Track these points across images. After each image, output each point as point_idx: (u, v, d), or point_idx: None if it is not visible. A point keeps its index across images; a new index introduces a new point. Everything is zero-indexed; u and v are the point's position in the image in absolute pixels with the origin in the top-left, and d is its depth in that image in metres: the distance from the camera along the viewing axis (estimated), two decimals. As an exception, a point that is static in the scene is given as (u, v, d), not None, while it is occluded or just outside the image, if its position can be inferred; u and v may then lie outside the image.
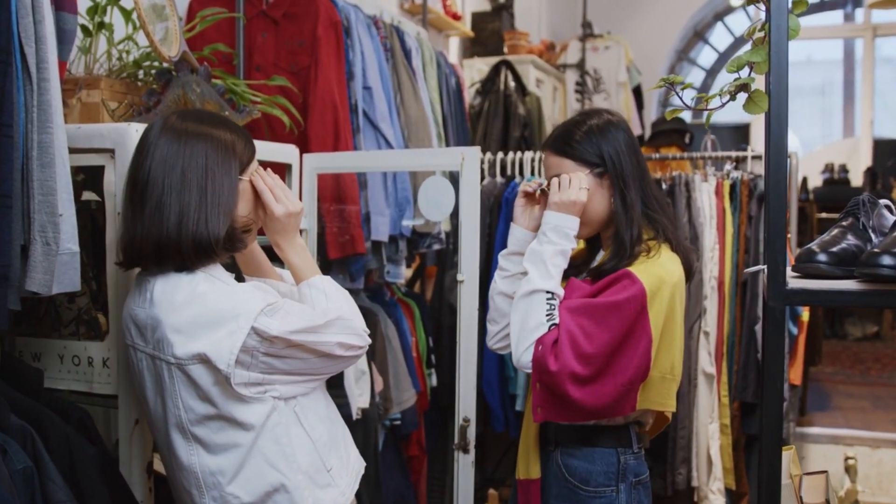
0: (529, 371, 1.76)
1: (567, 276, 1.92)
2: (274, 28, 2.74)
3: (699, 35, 8.26)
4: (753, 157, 3.37)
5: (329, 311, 1.60)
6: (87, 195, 1.81)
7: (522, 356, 1.76)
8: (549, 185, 1.88)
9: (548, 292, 1.77)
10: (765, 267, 1.41)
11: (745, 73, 1.39)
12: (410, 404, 3.18)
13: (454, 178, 2.20)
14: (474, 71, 5.15)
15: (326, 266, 2.70)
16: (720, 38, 8.44)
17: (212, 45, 2.40)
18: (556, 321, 1.74)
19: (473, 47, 5.43)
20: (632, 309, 1.71)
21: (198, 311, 1.51)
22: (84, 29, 2.04)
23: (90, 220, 1.81)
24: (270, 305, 1.52)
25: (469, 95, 4.65)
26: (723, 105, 1.44)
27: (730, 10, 8.14)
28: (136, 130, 1.76)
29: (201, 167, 1.56)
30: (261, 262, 1.83)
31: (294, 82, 2.64)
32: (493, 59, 5.06)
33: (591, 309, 1.73)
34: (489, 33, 5.45)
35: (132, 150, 1.74)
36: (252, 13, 2.74)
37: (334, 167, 2.37)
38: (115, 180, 1.77)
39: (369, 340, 1.67)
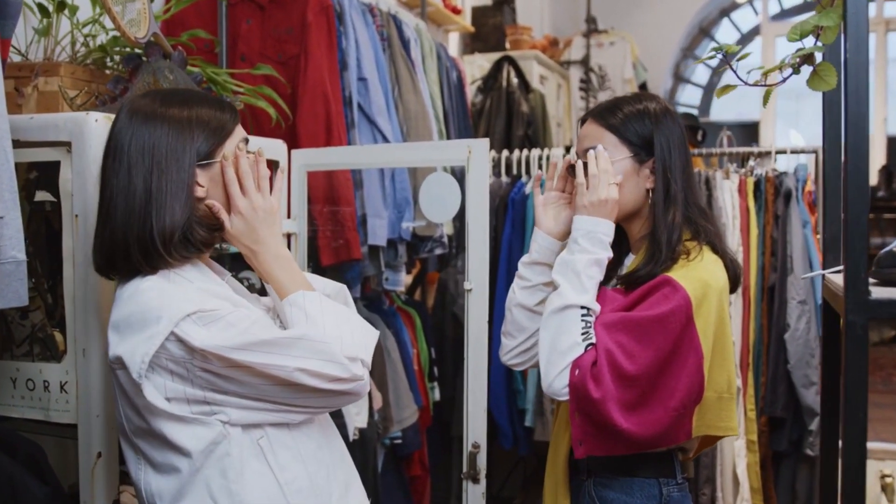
0: (563, 399, 1.54)
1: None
2: (260, 14, 2.51)
3: (705, 32, 8.03)
4: (778, 152, 3.14)
5: (295, 332, 1.33)
6: (42, 195, 1.58)
7: (555, 382, 1.53)
8: (575, 160, 1.68)
9: (582, 307, 1.55)
10: (822, 272, 1.17)
11: (809, 42, 1.16)
12: (412, 422, 2.95)
13: (458, 176, 1.97)
14: (475, 67, 4.92)
15: (319, 273, 2.46)
16: (726, 34, 8.21)
17: (190, 31, 2.17)
18: (594, 340, 1.52)
19: (474, 43, 5.20)
20: (676, 321, 1.49)
21: (132, 309, 1.32)
22: (41, 8, 1.81)
23: (45, 223, 1.58)
24: (205, 312, 1.28)
25: (471, 93, 4.43)
26: (784, 80, 1.21)
27: (735, 5, 7.92)
28: (95, 120, 1.53)
29: (148, 157, 1.35)
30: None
31: (282, 73, 2.41)
32: (495, 55, 4.84)
33: (629, 324, 1.51)
34: (490, 28, 5.22)
35: (92, 142, 1.52)
36: (236, -2, 2.51)
37: (326, 164, 2.14)
38: (72, 178, 1.54)
39: (359, 371, 1.35)
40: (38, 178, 1.57)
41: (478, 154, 1.86)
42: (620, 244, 1.77)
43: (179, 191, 1.35)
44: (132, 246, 1.33)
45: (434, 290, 3.58)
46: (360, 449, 2.56)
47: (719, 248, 1.69)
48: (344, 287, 1.59)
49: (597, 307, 1.57)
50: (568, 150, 3.56)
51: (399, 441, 2.91)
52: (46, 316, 1.59)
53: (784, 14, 7.81)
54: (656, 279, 1.55)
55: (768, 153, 3.19)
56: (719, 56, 1.19)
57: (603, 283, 1.67)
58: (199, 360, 1.28)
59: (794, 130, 8.30)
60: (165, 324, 1.27)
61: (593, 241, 1.58)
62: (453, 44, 5.08)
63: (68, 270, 1.55)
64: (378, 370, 2.78)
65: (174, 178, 1.35)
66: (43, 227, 1.58)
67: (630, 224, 1.72)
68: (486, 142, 1.85)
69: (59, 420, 1.57)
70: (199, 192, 1.39)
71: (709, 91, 8.33)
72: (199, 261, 1.43)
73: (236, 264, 1.98)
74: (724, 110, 8.32)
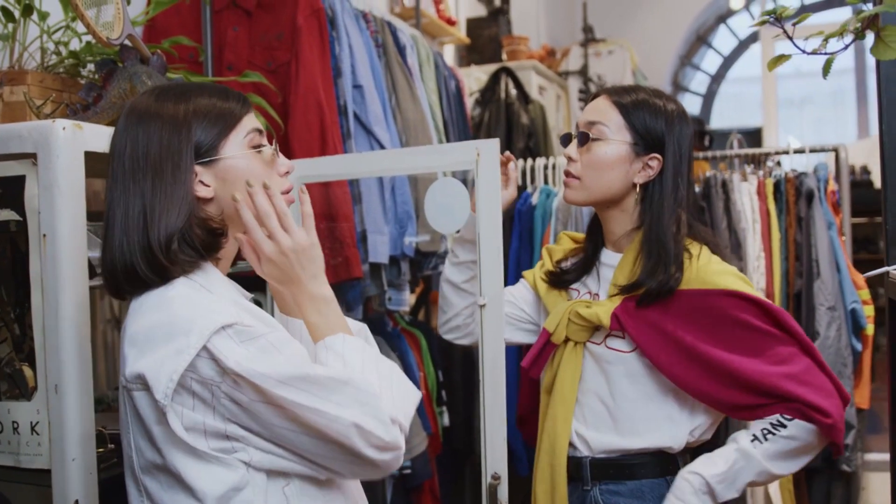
0: None
1: (557, 279, 1.73)
2: (247, 21, 2.36)
3: (702, 39, 7.92)
4: (796, 151, 2.98)
5: (340, 373, 1.12)
6: (5, 214, 1.41)
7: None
8: (575, 135, 1.67)
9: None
10: (888, 269, 1.01)
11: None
12: (421, 450, 2.77)
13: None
14: (472, 80, 4.77)
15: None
16: (723, 41, 8.10)
17: (172, 39, 2.02)
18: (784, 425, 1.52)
19: (469, 55, 5.07)
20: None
21: (155, 320, 1.13)
22: (5, 12, 1.66)
23: (10, 245, 1.42)
24: (244, 327, 1.10)
25: (468, 106, 4.28)
26: (846, 48, 1.05)
27: (732, 12, 7.81)
28: (62, 128, 1.37)
29: (142, 160, 1.20)
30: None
31: (273, 82, 2.26)
32: (492, 67, 4.69)
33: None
34: (486, 40, 5.09)
35: (60, 153, 1.36)
36: (221, 4, 2.36)
37: (322, 174, 1.97)
38: (38, 193, 1.38)
39: (399, 439, 1.13)
40: (1, 196, 1.41)
41: (487, 157, 1.69)
42: (595, 239, 1.75)
43: (177, 193, 1.19)
44: (135, 257, 1.17)
45: (438, 308, 3.40)
46: (368, 482, 2.37)
47: (714, 249, 1.66)
48: (365, 327, 1.40)
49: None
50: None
51: (408, 471, 2.73)
52: (14, 349, 1.42)
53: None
54: (729, 291, 1.55)
55: (785, 153, 3.03)
56: (771, 20, 1.03)
57: (573, 277, 1.72)
58: (228, 384, 1.09)
59: (792, 137, 8.17)
60: (197, 337, 1.08)
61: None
62: (449, 56, 4.95)
63: (37, 297, 1.39)
64: (384, 396, 2.60)
65: (170, 180, 1.19)
66: (8, 249, 1.41)
67: (608, 214, 1.69)
68: (496, 143, 1.69)
69: (30, 465, 1.40)
70: (204, 192, 1.22)
71: (708, 99, 8.21)
72: (218, 270, 1.26)
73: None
74: (723, 118, 8.19)
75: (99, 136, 1.45)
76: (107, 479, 1.47)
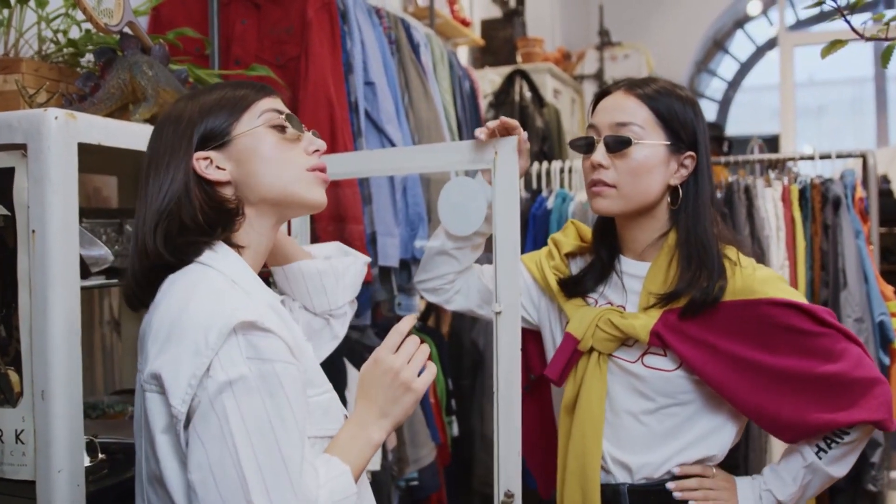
0: None
1: (573, 287, 1.60)
2: (255, 13, 2.28)
3: (719, 45, 7.80)
4: (822, 157, 2.88)
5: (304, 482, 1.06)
6: (-7, 208, 1.33)
7: None
8: (598, 138, 1.52)
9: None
10: None
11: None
12: (429, 461, 2.67)
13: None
14: (486, 82, 4.68)
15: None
16: (741, 46, 7.97)
17: (177, 30, 1.93)
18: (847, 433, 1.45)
19: (484, 57, 4.98)
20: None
21: (183, 309, 1.08)
22: (0, -3, 1.57)
23: (-3, 241, 1.33)
24: (262, 333, 1.06)
25: (482, 107, 4.19)
26: (907, 34, 0.95)
27: (749, 17, 7.70)
28: (55, 118, 1.29)
29: (153, 165, 1.21)
30: (281, 245, 1.45)
31: (281, 77, 2.18)
32: (506, 69, 4.61)
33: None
34: (500, 41, 5.00)
35: (51, 144, 1.28)
36: (229, -4, 2.28)
37: (331, 173, 1.85)
38: (28, 186, 1.30)
39: None
40: (-12, 189, 1.33)
41: (505, 155, 1.60)
42: (609, 240, 1.62)
43: (167, 180, 1.17)
44: (148, 257, 1.16)
45: (450, 315, 3.31)
46: (374, 494, 2.28)
47: (747, 253, 1.57)
48: (339, 244, 1.57)
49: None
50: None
51: (416, 483, 2.63)
52: (-1, 352, 1.33)
53: (801, 24, 7.57)
54: (791, 302, 1.44)
55: (810, 157, 2.93)
56: (831, 5, 0.94)
57: (589, 286, 1.59)
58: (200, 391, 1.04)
59: (808, 145, 8.04)
60: (216, 334, 1.03)
61: None
62: (463, 57, 4.86)
63: (24, 297, 1.30)
64: (392, 405, 2.51)
65: (163, 171, 1.18)
66: (-5, 246, 1.33)
67: (635, 222, 1.55)
68: (514, 140, 1.59)
69: (13, 476, 1.31)
70: (218, 175, 1.20)
71: (724, 105, 8.09)
72: (244, 260, 1.20)
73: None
74: (739, 125, 8.07)
75: (94, 127, 1.36)
76: (95, 491, 1.39)
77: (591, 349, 1.53)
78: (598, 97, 1.59)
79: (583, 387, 1.54)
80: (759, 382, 1.44)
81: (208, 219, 1.18)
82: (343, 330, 1.55)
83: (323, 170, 1.28)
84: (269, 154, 1.21)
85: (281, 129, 1.23)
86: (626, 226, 1.58)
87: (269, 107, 1.24)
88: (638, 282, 1.55)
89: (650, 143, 1.49)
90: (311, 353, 1.23)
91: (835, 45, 1.01)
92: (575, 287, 1.62)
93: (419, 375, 1.20)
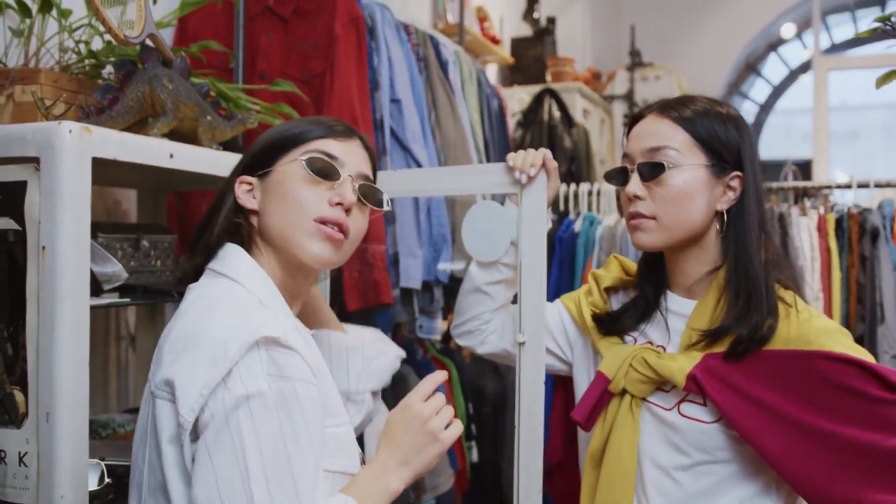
0: None
1: (610, 323, 1.46)
2: (282, 28, 2.24)
3: (751, 67, 7.71)
4: (860, 185, 2.79)
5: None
6: (4, 222, 1.29)
7: None
8: (631, 167, 1.40)
9: None
10: None
11: None
12: (447, 488, 2.61)
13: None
14: (515, 101, 4.64)
15: (345, 319, 2.15)
16: (774, 70, 7.87)
17: (201, 43, 1.90)
18: None
19: (513, 75, 4.94)
20: None
21: (206, 320, 1.08)
22: (21, 6, 1.54)
23: (6, 256, 1.29)
24: (284, 351, 1.04)
25: (510, 127, 4.15)
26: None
27: (783, 40, 7.61)
28: (69, 131, 1.25)
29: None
30: (316, 309, 1.44)
31: (306, 93, 2.14)
32: (536, 88, 4.56)
33: None
34: (530, 60, 4.95)
35: (64, 158, 1.24)
36: (256, 10, 2.24)
37: (353, 192, 1.83)
38: (39, 201, 1.26)
39: None
40: (0, 203, 1.29)
41: (534, 181, 1.53)
42: (657, 274, 1.47)
43: (225, 193, 1.24)
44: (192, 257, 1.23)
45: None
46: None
47: (803, 295, 1.41)
48: (378, 332, 1.52)
49: None
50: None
51: (433, 510, 2.57)
52: (5, 370, 1.29)
53: (835, 48, 7.47)
54: (843, 356, 1.26)
55: (848, 186, 2.84)
56: (888, 27, 0.88)
57: (629, 324, 1.44)
58: (214, 402, 1.01)
59: (841, 170, 7.91)
60: (236, 347, 1.00)
61: None
62: (492, 76, 4.82)
63: (32, 315, 1.26)
64: (410, 430, 2.45)
65: (226, 186, 1.25)
66: (4, 261, 1.29)
67: (683, 254, 1.41)
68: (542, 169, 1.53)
69: (15, 499, 1.27)
70: (250, 203, 1.22)
71: (756, 129, 7.99)
72: (270, 280, 1.19)
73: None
74: (771, 149, 7.96)
75: (109, 142, 1.32)
76: (99, 519, 1.34)
77: (624, 391, 1.39)
78: (631, 123, 1.47)
79: (612, 434, 1.39)
80: (808, 447, 1.25)
81: (224, 239, 1.21)
82: (357, 419, 1.42)
83: (339, 225, 1.19)
84: (288, 192, 1.18)
85: (315, 170, 1.18)
86: (673, 258, 1.44)
87: (321, 147, 1.21)
88: (683, 321, 1.41)
89: (687, 166, 1.35)
90: (332, 382, 1.18)
91: (890, 75, 0.94)
92: (612, 323, 1.48)
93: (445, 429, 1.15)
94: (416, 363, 2.71)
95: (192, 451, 1.01)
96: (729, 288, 1.35)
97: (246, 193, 1.23)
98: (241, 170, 1.25)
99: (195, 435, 1.01)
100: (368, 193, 1.25)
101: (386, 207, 1.29)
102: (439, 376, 1.19)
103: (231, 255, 1.19)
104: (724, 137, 1.36)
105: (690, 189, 1.35)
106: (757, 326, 1.29)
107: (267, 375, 1.01)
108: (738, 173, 1.37)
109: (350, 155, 1.23)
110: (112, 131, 1.34)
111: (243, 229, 1.23)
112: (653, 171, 1.36)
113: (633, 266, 1.57)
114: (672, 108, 1.39)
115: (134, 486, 1.13)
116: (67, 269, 1.25)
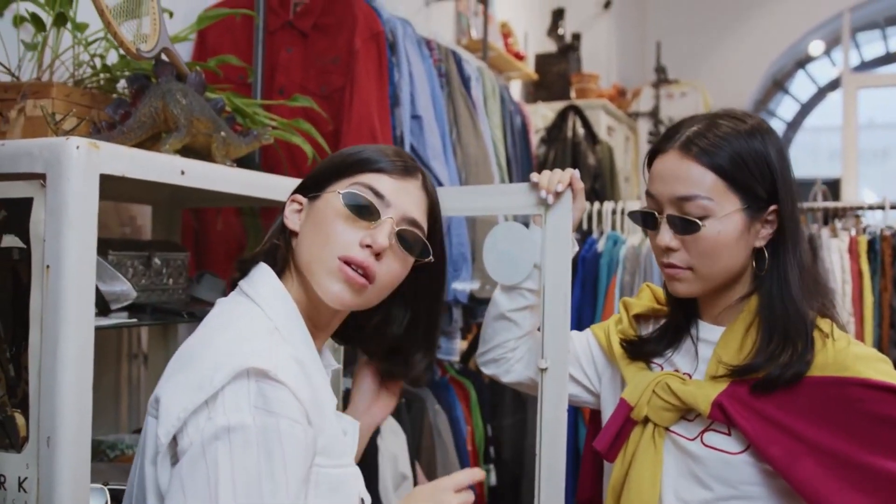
0: None
1: (637, 348, 1.40)
2: (302, 42, 2.21)
3: (779, 85, 7.61)
4: (893, 207, 2.71)
5: None
6: (9, 240, 1.25)
7: None
8: (660, 213, 1.30)
9: None
10: None
11: None
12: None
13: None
14: (538, 117, 4.59)
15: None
16: (802, 87, 7.76)
17: (219, 57, 1.87)
18: None
19: (537, 91, 4.89)
20: None
21: (209, 341, 1.05)
22: (35, 19, 1.52)
23: (11, 275, 1.25)
24: (273, 384, 0.98)
25: (533, 144, 4.10)
26: None
27: (811, 57, 7.50)
28: (76, 147, 1.21)
29: None
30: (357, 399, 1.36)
31: (326, 108, 2.10)
32: (560, 105, 4.52)
33: None
34: (554, 76, 4.91)
35: (71, 175, 1.20)
36: (275, 24, 2.22)
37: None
38: (44, 218, 1.22)
39: None
40: (6, 219, 1.25)
41: (559, 202, 1.48)
42: (688, 302, 1.39)
43: (284, 209, 1.22)
44: None
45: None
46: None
47: (839, 324, 1.31)
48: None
49: None
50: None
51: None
52: (7, 392, 1.25)
53: (865, 66, 7.35)
54: (874, 382, 1.19)
55: (881, 207, 2.76)
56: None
57: (656, 349, 1.39)
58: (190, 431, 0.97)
59: (869, 191, 7.78)
60: (221, 377, 0.96)
61: None
62: (515, 92, 4.78)
63: (35, 335, 1.22)
64: (426, 454, 2.39)
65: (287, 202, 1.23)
66: (9, 280, 1.25)
67: (717, 289, 1.33)
68: (568, 190, 1.48)
69: (15, 528, 1.22)
70: (293, 224, 1.20)
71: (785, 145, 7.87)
72: (295, 307, 1.15)
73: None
74: (798, 167, 7.81)
75: (118, 159, 1.28)
76: (101, 548, 1.29)
77: (647, 420, 1.32)
78: (651, 156, 1.36)
79: (633, 465, 1.32)
80: (843, 479, 1.18)
81: (259, 257, 1.19)
82: None
83: (362, 268, 1.12)
84: (323, 222, 1.14)
85: (352, 206, 1.13)
86: (707, 293, 1.36)
87: (370, 182, 1.15)
88: (711, 348, 1.34)
89: (723, 216, 1.25)
90: (335, 420, 1.12)
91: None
92: (639, 348, 1.42)
93: None
94: (435, 384, 2.65)
95: (165, 480, 0.98)
96: (763, 322, 1.27)
97: (294, 213, 1.20)
98: (298, 188, 1.22)
99: (175, 458, 0.97)
100: (410, 240, 1.17)
101: (429, 259, 1.20)
102: (477, 475, 1.14)
103: (259, 276, 1.16)
104: (757, 171, 1.25)
105: (727, 239, 1.26)
106: (788, 366, 1.22)
107: (253, 408, 0.96)
108: (774, 206, 1.28)
109: (401, 195, 1.17)
110: (121, 147, 1.30)
111: (280, 250, 1.18)
112: (686, 227, 1.26)
113: (663, 295, 1.49)
114: (696, 146, 1.26)
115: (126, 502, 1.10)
116: (72, 289, 1.21)
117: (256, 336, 1.05)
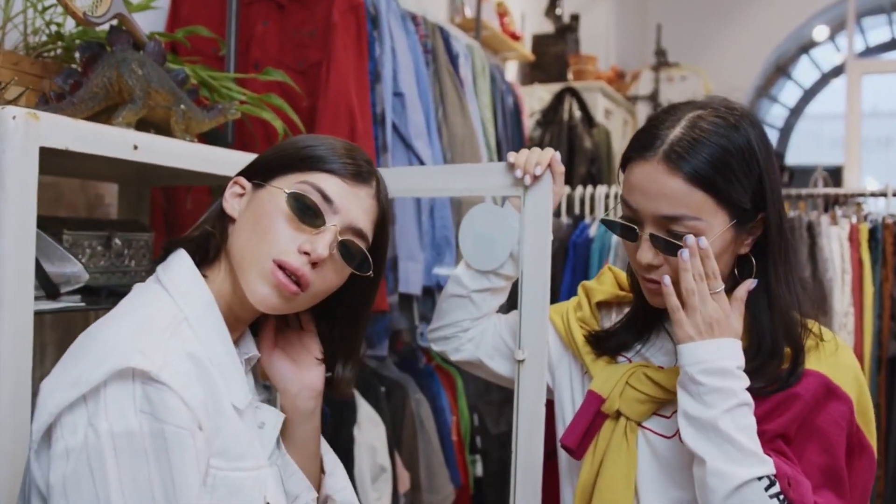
0: None
1: (603, 342, 1.30)
2: (278, 14, 2.11)
3: (782, 70, 7.49)
4: (895, 194, 2.62)
5: None
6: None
7: None
8: (640, 229, 1.18)
9: (762, 478, 1.06)
10: None
11: None
12: (447, 505, 2.46)
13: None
14: (534, 99, 4.49)
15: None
16: (805, 73, 7.64)
17: (188, 28, 1.78)
18: None
19: (533, 73, 4.78)
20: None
21: (100, 330, 0.96)
22: (-19, -18, 1.42)
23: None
24: (159, 387, 0.88)
25: (528, 126, 3.99)
26: None
27: (815, 43, 7.38)
28: (12, 117, 1.12)
29: None
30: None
31: (301, 84, 2.01)
32: (556, 86, 4.41)
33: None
34: (551, 58, 4.79)
35: (6, 147, 1.11)
36: (251, -5, 2.11)
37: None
38: (-22, 197, 1.12)
39: None
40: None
41: (540, 184, 1.38)
42: (646, 316, 1.29)
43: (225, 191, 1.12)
44: None
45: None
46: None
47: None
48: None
49: (772, 469, 1.07)
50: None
51: (431, 530, 2.43)
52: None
53: (870, 51, 7.23)
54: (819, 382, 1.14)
55: (883, 194, 2.67)
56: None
57: (623, 343, 1.29)
58: (65, 437, 0.88)
59: (871, 179, 7.68)
60: (98, 375, 0.87)
61: (724, 376, 1.09)
62: (511, 73, 4.67)
63: (-30, 325, 1.13)
64: (408, 445, 2.31)
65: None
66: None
67: None
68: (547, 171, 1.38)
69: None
70: (231, 208, 1.10)
71: (785, 133, 7.76)
72: (214, 302, 1.05)
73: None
74: (801, 154, 7.73)
75: (61, 130, 1.19)
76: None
77: (619, 414, 1.23)
78: (626, 161, 1.22)
79: (605, 464, 1.22)
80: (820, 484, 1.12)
81: (182, 242, 1.09)
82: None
83: (296, 276, 1.03)
84: (263, 217, 1.05)
85: (295, 208, 1.03)
86: None
87: (320, 184, 1.05)
88: None
89: (712, 236, 1.13)
90: (237, 419, 1.00)
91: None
92: (605, 342, 1.31)
93: None
94: (418, 372, 2.57)
95: (43, 479, 0.89)
96: (750, 333, 1.18)
97: (234, 197, 1.11)
98: (244, 170, 1.13)
99: (48, 457, 0.88)
100: (352, 251, 1.07)
101: (367, 273, 1.10)
102: None
103: (176, 262, 1.06)
104: (745, 179, 1.13)
105: (716, 254, 1.14)
106: (774, 379, 1.14)
107: (139, 412, 0.87)
108: (762, 215, 1.17)
109: (351, 202, 1.07)
110: (63, 118, 1.21)
111: (214, 239, 1.09)
112: (671, 249, 1.14)
113: (627, 281, 1.38)
114: (679, 157, 1.11)
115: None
116: (8, 270, 1.12)
117: (151, 329, 0.94)
